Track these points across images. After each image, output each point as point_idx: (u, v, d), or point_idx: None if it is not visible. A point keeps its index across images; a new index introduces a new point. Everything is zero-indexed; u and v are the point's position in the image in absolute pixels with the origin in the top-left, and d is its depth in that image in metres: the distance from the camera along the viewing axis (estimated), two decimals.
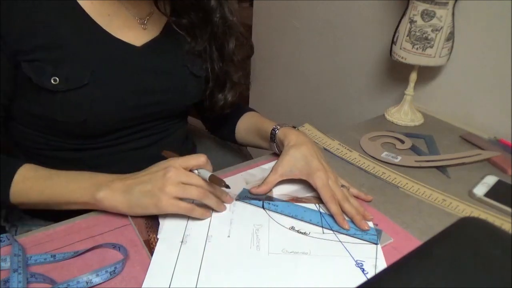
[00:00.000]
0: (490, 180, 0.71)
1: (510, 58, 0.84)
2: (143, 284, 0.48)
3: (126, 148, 0.70)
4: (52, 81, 0.58)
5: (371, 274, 0.51)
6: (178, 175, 0.56)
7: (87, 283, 0.47)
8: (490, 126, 0.90)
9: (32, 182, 0.59)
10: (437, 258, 0.33)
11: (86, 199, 0.57)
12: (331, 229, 0.59)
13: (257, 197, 0.64)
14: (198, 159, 0.59)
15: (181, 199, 0.56)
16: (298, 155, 0.65)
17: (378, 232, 0.58)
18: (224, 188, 0.59)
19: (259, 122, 0.79)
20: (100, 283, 0.48)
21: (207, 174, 0.59)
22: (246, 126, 0.83)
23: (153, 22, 0.68)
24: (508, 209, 0.64)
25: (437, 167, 0.77)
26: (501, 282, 0.31)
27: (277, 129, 0.72)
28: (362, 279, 0.51)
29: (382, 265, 0.53)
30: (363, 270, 0.52)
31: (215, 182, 0.58)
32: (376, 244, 0.56)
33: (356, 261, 0.53)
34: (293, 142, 0.67)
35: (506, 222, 0.62)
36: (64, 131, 0.64)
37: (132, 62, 0.65)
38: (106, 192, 0.57)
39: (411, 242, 0.57)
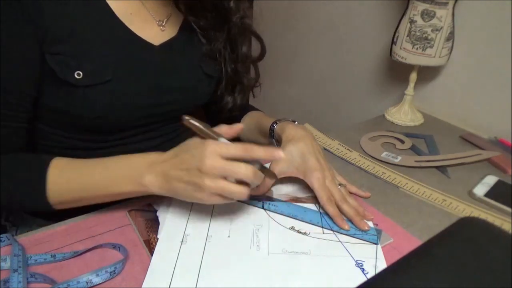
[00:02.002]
0: (490, 180, 0.71)
1: (510, 58, 0.84)
2: (143, 284, 0.48)
3: (133, 150, 0.70)
4: (76, 76, 0.58)
5: (371, 274, 0.51)
6: (215, 167, 0.51)
7: (87, 283, 0.47)
8: (490, 126, 0.90)
9: (69, 176, 0.56)
10: (437, 258, 0.33)
11: (130, 187, 0.55)
12: (331, 229, 0.59)
13: (257, 197, 0.64)
14: (245, 149, 0.52)
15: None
16: (295, 152, 0.64)
17: (378, 232, 0.58)
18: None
19: (260, 120, 0.79)
20: (100, 283, 0.48)
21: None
22: (248, 125, 0.83)
23: (170, 23, 0.69)
24: (508, 209, 0.64)
25: (437, 167, 0.77)
26: (501, 282, 0.31)
27: (276, 124, 0.72)
28: (362, 279, 0.51)
29: (382, 265, 0.53)
30: (363, 270, 0.52)
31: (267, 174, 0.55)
32: (376, 244, 0.56)
33: (356, 261, 0.53)
34: (290, 137, 0.66)
35: (506, 222, 0.62)
36: (79, 126, 0.64)
37: (151, 61, 0.66)
38: (150, 177, 0.54)
39: (411, 242, 0.57)
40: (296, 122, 0.73)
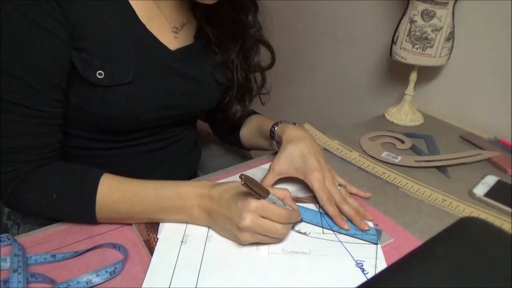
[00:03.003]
0: (490, 180, 0.71)
1: (510, 58, 0.84)
2: (143, 284, 0.48)
3: (140, 150, 0.71)
4: (98, 75, 0.58)
5: (371, 274, 0.51)
6: (252, 227, 0.53)
7: (87, 283, 0.47)
8: (490, 126, 0.90)
9: (118, 196, 0.56)
10: (437, 258, 0.33)
11: (179, 217, 0.58)
12: (331, 229, 0.59)
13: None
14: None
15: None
16: (295, 152, 0.64)
17: (378, 232, 0.58)
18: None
19: (261, 123, 0.80)
20: (100, 283, 0.48)
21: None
22: (249, 129, 0.84)
23: (184, 31, 0.70)
24: (508, 209, 0.64)
25: (437, 167, 0.77)
26: (501, 282, 0.31)
27: (276, 126, 0.72)
28: (362, 279, 0.51)
29: (382, 265, 0.53)
30: (363, 270, 0.52)
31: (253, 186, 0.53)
32: (376, 244, 0.56)
33: (356, 261, 0.53)
34: (290, 137, 0.67)
35: (506, 222, 0.62)
36: (93, 124, 0.64)
37: (167, 64, 0.66)
38: (198, 210, 0.57)
39: (411, 242, 0.57)
40: (296, 124, 0.74)
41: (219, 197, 0.55)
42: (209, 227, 0.58)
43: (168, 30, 0.67)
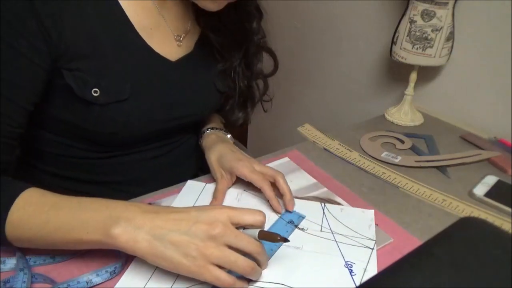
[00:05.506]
0: (490, 180, 0.71)
1: (510, 58, 0.84)
2: (117, 284, 0.48)
3: (143, 157, 0.71)
4: (93, 93, 0.57)
5: (359, 276, 0.51)
6: (225, 234, 0.44)
7: (87, 283, 0.47)
8: (490, 126, 0.90)
9: (34, 209, 0.47)
10: (437, 258, 0.33)
11: (97, 236, 0.45)
12: (329, 229, 0.59)
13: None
14: (255, 217, 0.47)
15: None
16: (214, 157, 0.67)
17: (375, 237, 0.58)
18: (282, 243, 0.49)
19: (208, 119, 0.81)
20: (100, 283, 0.48)
21: (255, 231, 0.48)
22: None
23: (187, 38, 0.69)
24: (508, 209, 0.64)
25: (437, 167, 0.77)
26: (501, 282, 0.31)
27: (206, 131, 0.76)
28: (348, 280, 0.50)
29: (372, 269, 0.52)
30: (351, 272, 0.51)
31: (268, 238, 0.47)
32: (372, 249, 0.55)
33: (346, 262, 0.53)
34: (207, 145, 0.71)
35: (506, 222, 0.62)
36: (91, 139, 0.64)
37: (167, 77, 0.65)
38: (126, 227, 0.45)
39: (411, 242, 0.57)
40: (229, 136, 0.76)
41: (167, 212, 0.47)
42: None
43: (170, 39, 0.66)
